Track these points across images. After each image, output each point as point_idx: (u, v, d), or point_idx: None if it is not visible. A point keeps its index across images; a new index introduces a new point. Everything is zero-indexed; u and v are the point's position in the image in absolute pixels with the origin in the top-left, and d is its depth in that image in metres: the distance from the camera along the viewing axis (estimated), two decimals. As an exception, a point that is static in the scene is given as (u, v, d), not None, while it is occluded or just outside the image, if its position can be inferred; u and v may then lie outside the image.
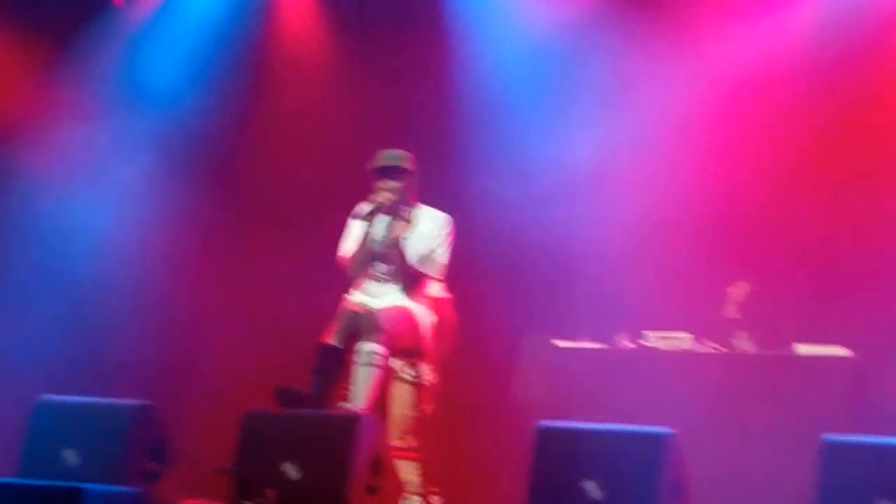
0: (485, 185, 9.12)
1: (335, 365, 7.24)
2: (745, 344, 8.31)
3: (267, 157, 9.86)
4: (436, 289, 7.68)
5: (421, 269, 7.57)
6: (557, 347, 8.44)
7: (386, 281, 7.60)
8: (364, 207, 7.62)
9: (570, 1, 9.38)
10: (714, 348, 8.26)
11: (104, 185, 9.81)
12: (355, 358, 7.21)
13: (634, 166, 9.02)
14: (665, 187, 8.88)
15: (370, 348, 7.20)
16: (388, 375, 7.37)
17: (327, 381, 7.21)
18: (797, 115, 8.84)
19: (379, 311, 7.33)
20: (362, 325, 7.25)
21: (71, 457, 6.97)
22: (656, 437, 6.43)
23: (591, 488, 6.38)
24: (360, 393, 7.17)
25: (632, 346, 8.36)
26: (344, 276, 7.67)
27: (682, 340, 8.29)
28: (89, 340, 9.49)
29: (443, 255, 7.61)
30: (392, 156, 7.66)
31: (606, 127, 9.08)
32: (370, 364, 7.18)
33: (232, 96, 9.86)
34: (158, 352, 9.55)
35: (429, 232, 7.59)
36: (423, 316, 7.59)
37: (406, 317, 7.47)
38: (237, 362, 9.28)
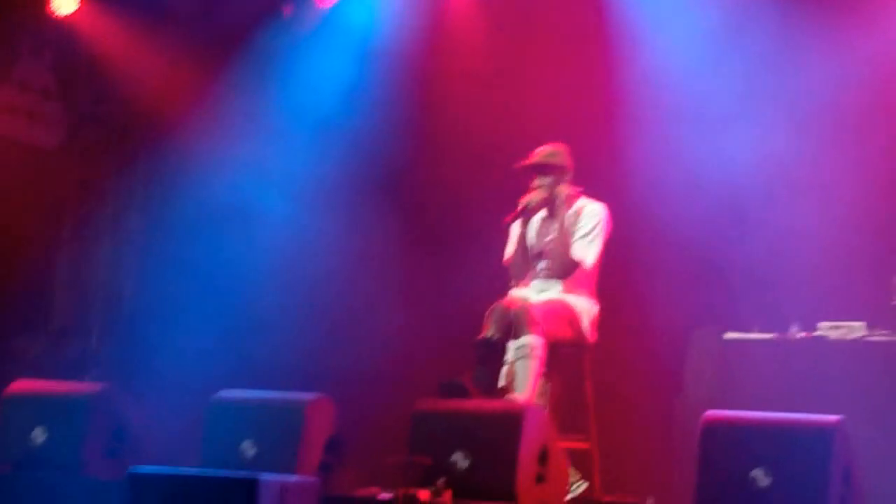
0: (655, 177, 9.09)
1: (493, 357, 7.33)
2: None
3: (435, 164, 10.00)
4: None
5: (576, 261, 7.60)
6: (727, 340, 8.38)
7: (548, 278, 7.66)
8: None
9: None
10: (886, 336, 8.12)
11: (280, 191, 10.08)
12: (511, 352, 7.29)
13: (808, 159, 8.90)
14: (837, 180, 8.76)
15: (523, 342, 7.26)
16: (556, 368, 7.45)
17: (488, 374, 7.29)
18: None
19: (532, 304, 7.40)
20: (517, 318, 7.33)
21: (248, 449, 7.23)
22: (825, 426, 6.38)
23: (760, 477, 6.36)
24: (521, 384, 7.23)
25: (802, 335, 8.27)
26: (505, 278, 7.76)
27: (854, 329, 8.17)
28: (265, 336, 9.75)
29: (596, 247, 7.62)
30: (543, 152, 7.70)
31: (778, 121, 8.99)
32: (526, 357, 7.24)
33: (398, 108, 10.00)
34: (334, 347, 9.76)
35: (584, 225, 7.63)
36: (583, 307, 7.62)
37: (563, 308, 7.51)
38: (407, 358, 9.45)
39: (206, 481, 6.44)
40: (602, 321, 7.72)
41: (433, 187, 9.96)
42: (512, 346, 7.29)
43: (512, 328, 7.32)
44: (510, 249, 7.76)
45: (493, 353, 7.33)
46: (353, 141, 10.01)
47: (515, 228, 7.74)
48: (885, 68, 8.77)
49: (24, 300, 10.41)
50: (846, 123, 8.80)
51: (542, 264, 7.68)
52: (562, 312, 7.49)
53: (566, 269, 7.61)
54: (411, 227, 9.95)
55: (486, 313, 7.41)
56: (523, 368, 7.25)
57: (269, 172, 10.19)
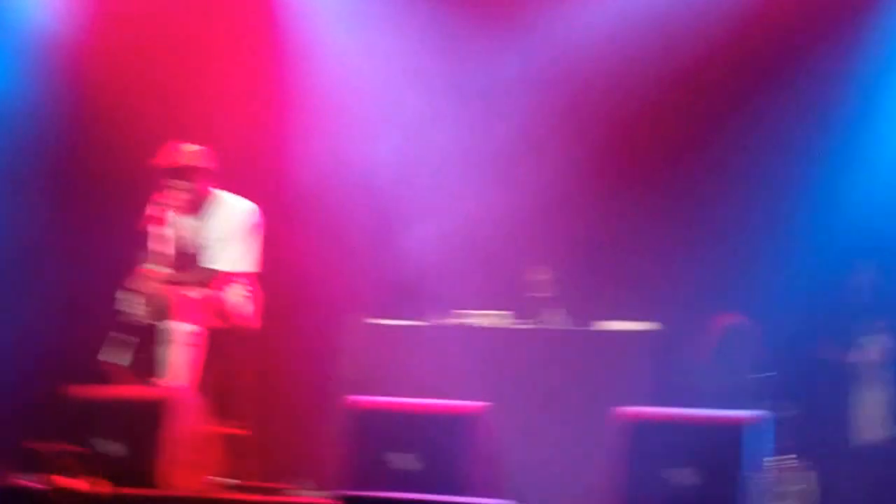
0: (304, 167, 9.21)
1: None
2: (553, 321, 8.60)
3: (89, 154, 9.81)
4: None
5: (210, 270, 7.55)
6: (374, 325, 8.60)
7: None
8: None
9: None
10: (525, 324, 8.50)
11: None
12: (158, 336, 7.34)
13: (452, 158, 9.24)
14: (476, 175, 9.15)
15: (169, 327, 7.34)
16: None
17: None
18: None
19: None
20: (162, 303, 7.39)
21: None
22: (470, 412, 6.65)
23: (406, 461, 6.57)
24: (166, 370, 7.34)
25: (451, 322, 8.56)
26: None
27: (499, 318, 8.53)
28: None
29: (234, 249, 7.58)
30: (184, 153, 7.54)
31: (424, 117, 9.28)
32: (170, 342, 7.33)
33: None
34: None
35: (222, 228, 7.57)
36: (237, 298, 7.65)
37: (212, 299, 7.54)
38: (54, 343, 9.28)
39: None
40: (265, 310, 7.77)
41: (82, 176, 9.75)
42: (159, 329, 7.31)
43: (159, 312, 7.30)
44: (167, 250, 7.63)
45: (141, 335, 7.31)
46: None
47: (162, 229, 7.59)
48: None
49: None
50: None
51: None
52: (211, 302, 7.51)
53: (204, 279, 7.56)
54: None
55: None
56: (169, 354, 7.26)
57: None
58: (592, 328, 8.47)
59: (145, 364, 7.32)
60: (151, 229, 7.55)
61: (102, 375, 7.10)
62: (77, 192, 9.74)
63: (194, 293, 7.47)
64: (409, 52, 9.37)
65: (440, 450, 6.56)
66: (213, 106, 9.20)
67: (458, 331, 8.51)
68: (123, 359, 7.15)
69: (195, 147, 7.59)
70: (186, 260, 7.60)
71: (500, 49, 9.19)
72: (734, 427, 6.46)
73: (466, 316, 8.57)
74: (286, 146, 9.27)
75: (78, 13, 9.74)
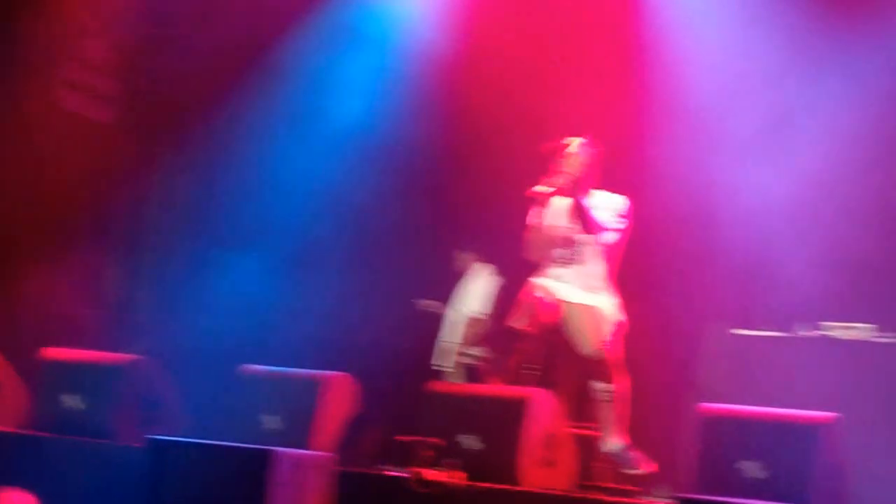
0: (675, 172, 9.28)
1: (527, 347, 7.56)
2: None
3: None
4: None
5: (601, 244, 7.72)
6: (737, 335, 8.58)
7: (565, 265, 7.77)
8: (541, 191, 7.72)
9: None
10: (890, 338, 8.29)
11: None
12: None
13: (824, 165, 9.08)
14: (848, 185, 8.94)
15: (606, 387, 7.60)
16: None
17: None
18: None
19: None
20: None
21: (267, 422, 7.48)
22: (816, 423, 6.59)
23: (753, 469, 6.57)
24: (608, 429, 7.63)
25: (811, 335, 8.45)
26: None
27: (860, 330, 8.34)
28: (289, 314, 10.07)
29: (612, 235, 7.74)
30: (572, 142, 7.75)
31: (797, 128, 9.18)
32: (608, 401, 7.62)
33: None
34: (355, 327, 10.08)
35: (604, 214, 7.71)
36: (608, 313, 7.77)
37: (601, 328, 7.72)
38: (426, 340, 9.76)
39: (222, 451, 6.74)
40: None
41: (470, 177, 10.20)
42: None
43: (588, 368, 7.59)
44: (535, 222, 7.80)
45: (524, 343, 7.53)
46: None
47: (539, 209, 7.77)
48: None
49: (80, 271, 10.76)
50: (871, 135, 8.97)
51: (559, 252, 7.79)
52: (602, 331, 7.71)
53: (586, 256, 7.75)
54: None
55: (518, 300, 7.59)
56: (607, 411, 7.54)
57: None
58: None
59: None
60: (534, 208, 7.76)
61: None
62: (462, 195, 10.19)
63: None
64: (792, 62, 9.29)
65: (786, 459, 6.53)
66: (586, 103, 9.40)
67: (821, 343, 8.38)
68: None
69: (581, 140, 7.77)
70: (556, 244, 7.76)
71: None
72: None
73: (831, 328, 8.42)
74: (651, 151, 9.34)
75: (449, 20, 10.23)
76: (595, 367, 7.53)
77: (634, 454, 7.50)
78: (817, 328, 8.45)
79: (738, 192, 9.11)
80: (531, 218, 7.77)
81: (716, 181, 9.14)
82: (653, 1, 9.80)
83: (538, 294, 7.57)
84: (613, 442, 7.48)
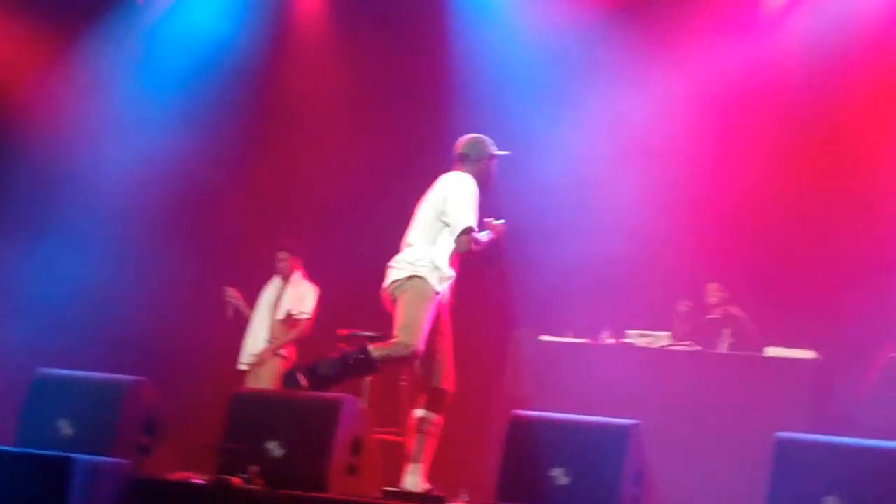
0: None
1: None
2: (719, 344, 8.58)
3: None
4: None
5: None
6: (542, 342, 8.68)
7: None
8: None
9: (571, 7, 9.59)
10: (688, 347, 8.49)
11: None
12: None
13: (620, 176, 9.28)
14: (648, 196, 9.18)
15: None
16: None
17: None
18: (779, 129, 9.12)
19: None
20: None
21: (65, 428, 7.22)
22: (620, 429, 6.68)
23: (558, 475, 6.64)
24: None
25: (612, 342, 8.60)
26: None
27: (660, 339, 8.52)
28: (88, 317, 9.82)
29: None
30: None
31: (603, 135, 9.34)
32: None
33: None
34: (154, 331, 9.86)
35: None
36: None
37: None
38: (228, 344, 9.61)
39: (20, 459, 6.52)
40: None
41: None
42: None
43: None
44: None
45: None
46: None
47: None
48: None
49: None
50: (670, 144, 9.23)
51: None
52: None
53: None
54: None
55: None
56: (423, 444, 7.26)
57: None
58: (749, 353, 8.41)
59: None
60: None
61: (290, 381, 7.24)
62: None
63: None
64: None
65: (590, 465, 6.61)
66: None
67: (622, 350, 8.54)
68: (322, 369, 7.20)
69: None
70: None
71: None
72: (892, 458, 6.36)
73: (632, 336, 8.59)
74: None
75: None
76: (434, 396, 7.37)
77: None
78: (622, 336, 8.60)
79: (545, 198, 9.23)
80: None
81: (519, 187, 9.22)
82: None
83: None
84: (416, 482, 7.29)
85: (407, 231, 7.17)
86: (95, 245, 10.00)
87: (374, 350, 7.04)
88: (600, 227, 9.17)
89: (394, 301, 7.13)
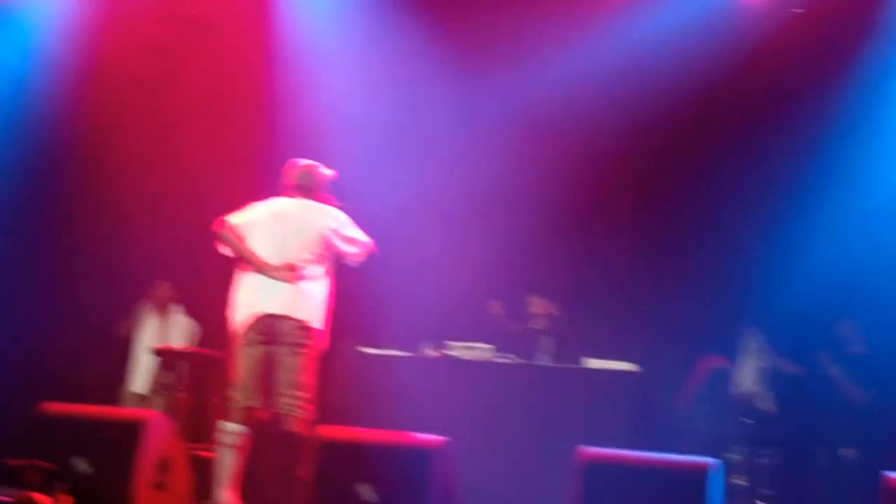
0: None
1: None
2: (541, 356, 8.62)
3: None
4: None
5: None
6: (363, 354, 8.64)
7: None
8: None
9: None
10: (510, 359, 8.50)
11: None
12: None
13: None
14: (464, 208, 9.18)
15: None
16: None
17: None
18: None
19: None
20: None
21: None
22: (428, 447, 6.69)
23: (367, 493, 6.60)
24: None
25: (435, 354, 8.58)
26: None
27: (482, 351, 8.52)
28: None
29: None
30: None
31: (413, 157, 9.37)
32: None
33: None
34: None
35: None
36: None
37: None
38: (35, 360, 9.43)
39: None
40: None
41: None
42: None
43: None
44: None
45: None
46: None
47: None
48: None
49: None
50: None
51: None
52: None
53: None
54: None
55: None
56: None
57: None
58: (570, 365, 8.45)
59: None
60: None
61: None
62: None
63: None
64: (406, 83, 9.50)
65: (398, 482, 6.60)
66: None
67: (441, 363, 8.52)
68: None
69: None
70: None
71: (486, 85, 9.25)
72: (698, 473, 6.40)
73: (452, 348, 8.57)
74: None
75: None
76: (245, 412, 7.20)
77: None
78: (443, 348, 8.59)
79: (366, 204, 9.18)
80: None
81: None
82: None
83: None
84: (226, 498, 7.16)
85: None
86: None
87: None
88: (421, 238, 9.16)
89: None
